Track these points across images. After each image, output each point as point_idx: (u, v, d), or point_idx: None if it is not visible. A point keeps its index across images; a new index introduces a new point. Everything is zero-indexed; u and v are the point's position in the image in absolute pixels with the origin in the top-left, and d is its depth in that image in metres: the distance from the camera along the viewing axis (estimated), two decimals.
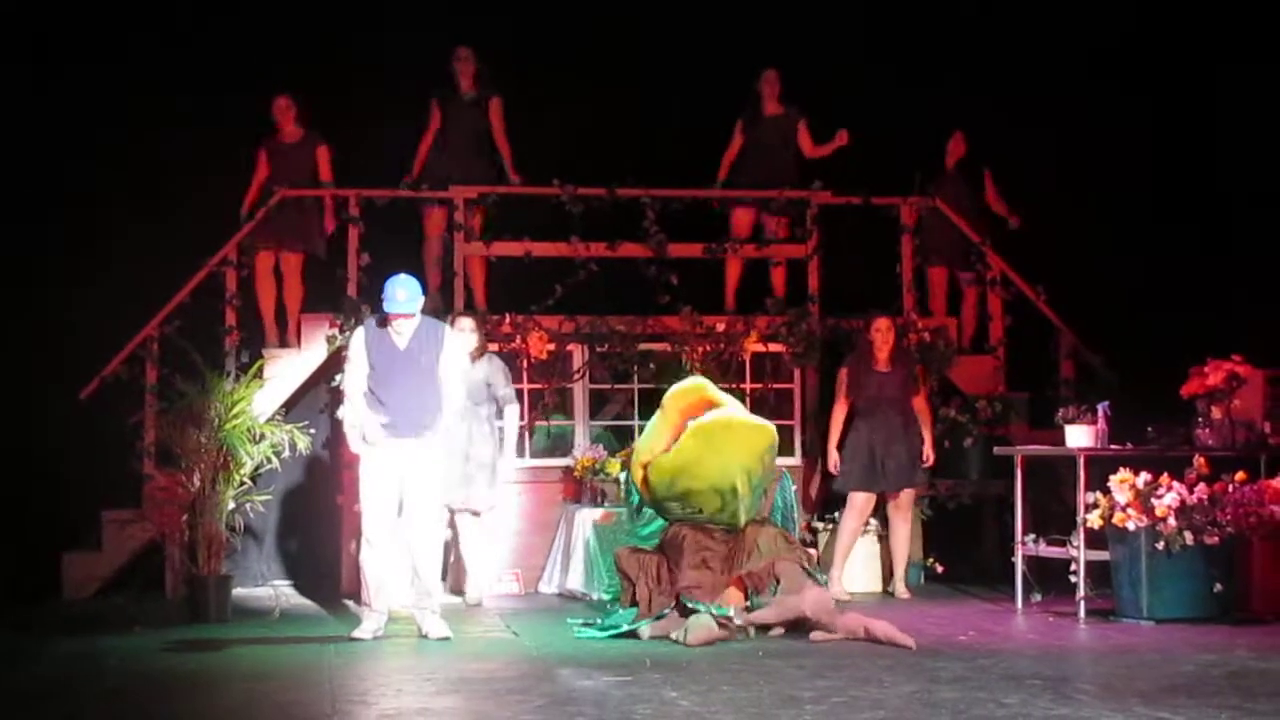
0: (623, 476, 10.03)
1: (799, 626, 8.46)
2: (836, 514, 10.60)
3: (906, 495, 10.44)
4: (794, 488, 9.49)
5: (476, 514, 10.12)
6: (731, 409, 8.75)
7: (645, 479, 8.76)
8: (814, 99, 11.62)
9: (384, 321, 8.63)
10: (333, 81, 11.37)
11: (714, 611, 8.36)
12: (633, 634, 8.45)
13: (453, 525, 10.11)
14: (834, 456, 10.38)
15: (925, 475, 10.52)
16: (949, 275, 11.85)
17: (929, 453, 10.41)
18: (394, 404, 8.57)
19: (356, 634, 8.52)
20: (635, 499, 9.14)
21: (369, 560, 8.58)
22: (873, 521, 10.59)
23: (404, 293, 8.56)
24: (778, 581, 8.63)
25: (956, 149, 11.86)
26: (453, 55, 11.37)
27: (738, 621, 8.43)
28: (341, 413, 8.84)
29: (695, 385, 8.95)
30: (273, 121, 11.18)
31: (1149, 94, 11.91)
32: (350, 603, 8.38)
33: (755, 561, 8.63)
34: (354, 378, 8.63)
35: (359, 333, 8.73)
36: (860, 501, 10.36)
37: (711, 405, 8.79)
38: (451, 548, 10.27)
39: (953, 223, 11.58)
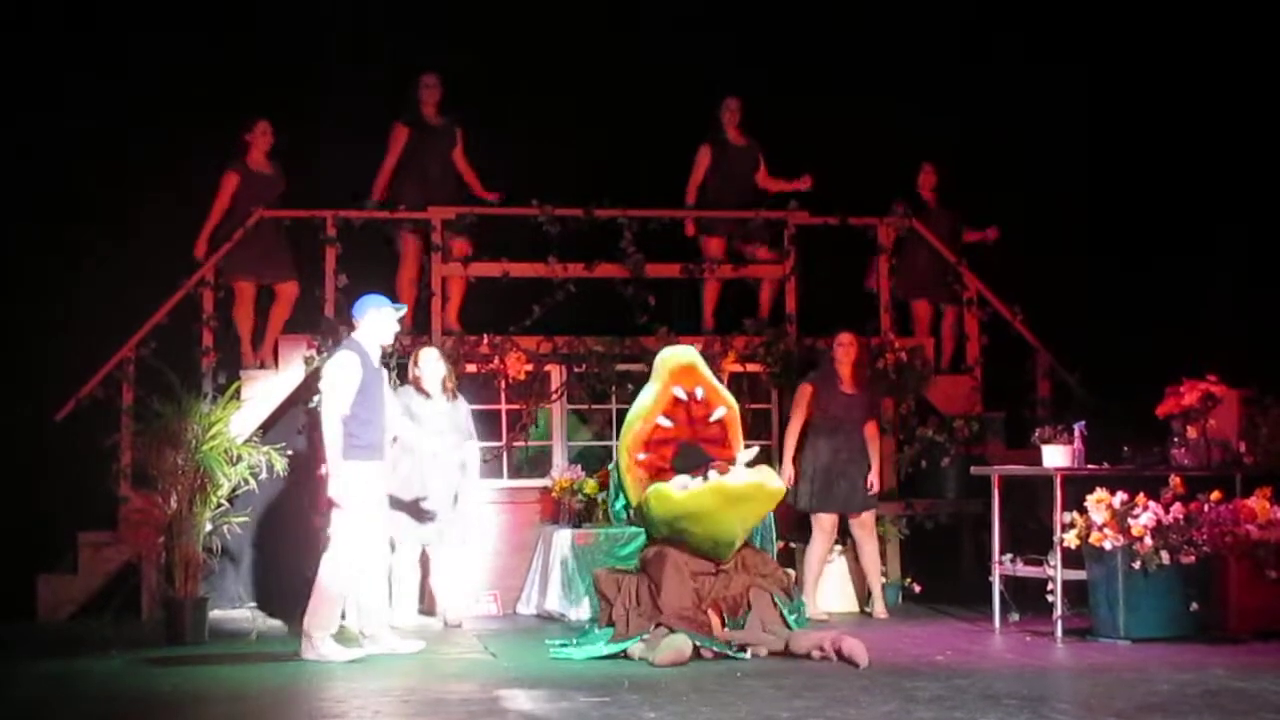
0: (611, 477, 9.88)
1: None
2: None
3: (868, 515, 10.43)
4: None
5: (450, 545, 10.09)
6: (760, 474, 8.64)
7: (644, 500, 8.72)
8: (788, 122, 11.64)
9: (364, 336, 8.70)
10: (309, 100, 11.37)
11: (703, 644, 8.35)
12: (609, 656, 8.43)
13: (424, 556, 10.12)
14: (789, 470, 10.32)
15: (876, 500, 10.46)
16: (933, 308, 11.88)
17: (874, 480, 10.36)
18: (379, 424, 8.66)
19: (350, 655, 8.45)
20: (622, 502, 9.10)
21: (352, 580, 8.55)
22: (847, 540, 10.58)
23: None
24: (749, 607, 8.63)
25: (928, 180, 11.91)
26: (419, 82, 11.35)
27: (733, 653, 8.40)
28: (325, 438, 8.56)
29: (687, 352, 9.02)
30: (243, 144, 11.06)
31: (1126, 117, 11.98)
32: (320, 634, 8.27)
33: (732, 586, 8.65)
34: (344, 401, 8.52)
35: (350, 356, 8.61)
36: (826, 523, 10.35)
37: (701, 380, 8.88)
38: (424, 573, 10.26)
39: (930, 256, 11.61)
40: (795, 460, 10.34)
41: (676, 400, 8.92)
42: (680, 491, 8.55)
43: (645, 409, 8.93)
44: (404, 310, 9.02)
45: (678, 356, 9.03)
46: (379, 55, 11.75)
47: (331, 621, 8.54)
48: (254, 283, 11.03)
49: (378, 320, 8.73)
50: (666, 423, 8.92)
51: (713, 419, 9.00)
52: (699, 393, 8.92)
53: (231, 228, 10.94)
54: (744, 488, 8.52)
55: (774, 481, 8.70)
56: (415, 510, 9.87)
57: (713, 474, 8.63)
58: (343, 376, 8.56)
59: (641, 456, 8.92)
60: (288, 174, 11.15)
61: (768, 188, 11.66)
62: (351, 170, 11.40)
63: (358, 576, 8.61)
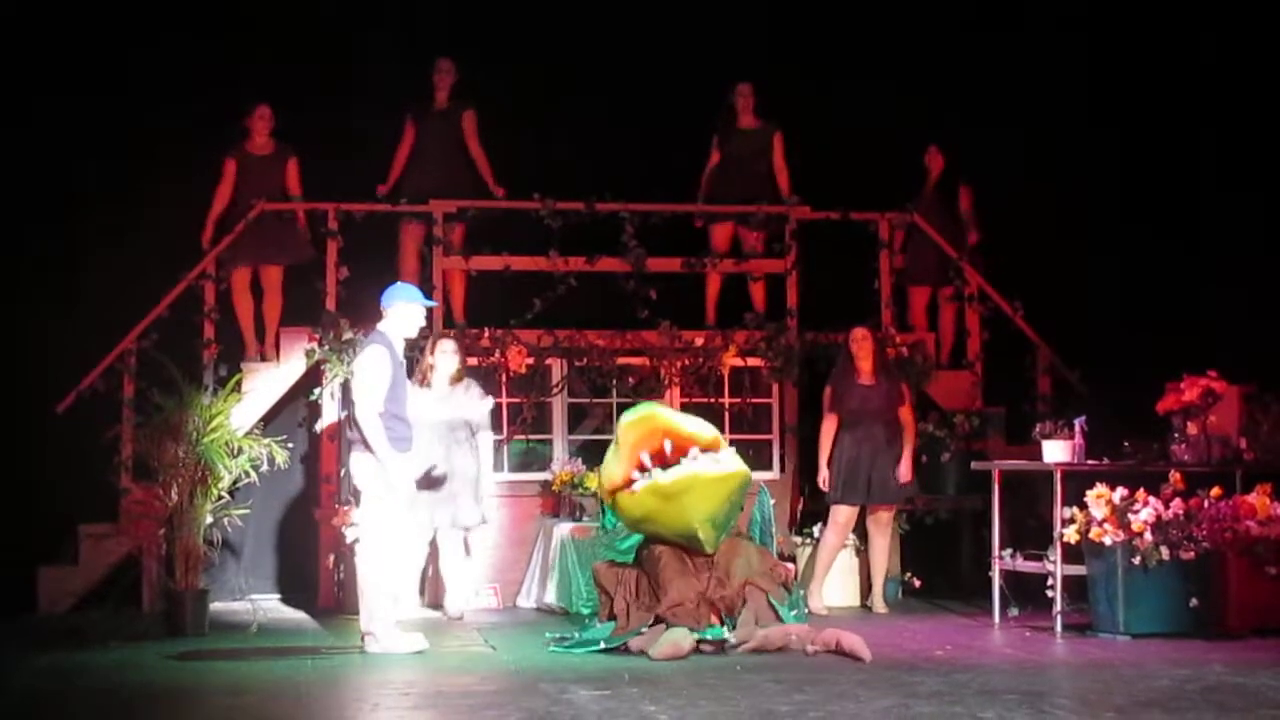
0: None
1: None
2: (816, 529, 10.61)
3: (887, 511, 10.43)
4: (772, 502, 9.48)
5: (467, 529, 10.13)
6: (696, 464, 8.55)
7: (615, 504, 8.79)
8: (794, 112, 11.65)
9: (391, 329, 8.67)
10: (310, 92, 11.37)
11: (705, 636, 8.35)
12: (609, 649, 8.44)
13: (434, 541, 10.11)
14: (825, 473, 10.34)
15: (907, 491, 10.49)
16: (931, 294, 11.88)
17: (904, 469, 10.37)
18: (405, 418, 8.61)
19: (416, 646, 8.46)
20: (612, 519, 9.16)
21: (387, 571, 8.53)
22: (851, 536, 10.59)
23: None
24: (745, 603, 8.64)
25: (935, 163, 11.89)
26: (434, 67, 11.39)
27: (732, 641, 8.41)
28: (370, 435, 8.42)
29: (645, 416, 8.78)
30: (242, 130, 11.10)
31: (1128, 110, 11.98)
32: (380, 627, 8.27)
33: (729, 586, 8.65)
34: (379, 395, 8.45)
35: (381, 351, 8.52)
36: (843, 515, 10.35)
37: (667, 432, 8.69)
38: (429, 563, 10.29)
39: (933, 243, 11.61)
40: (829, 462, 10.33)
41: (644, 464, 8.70)
42: (626, 498, 8.59)
43: (615, 477, 8.70)
44: (435, 305, 8.92)
45: (638, 424, 8.71)
46: (381, 48, 11.74)
47: (388, 613, 8.48)
48: (248, 267, 11.02)
49: (406, 313, 8.64)
50: (640, 477, 8.69)
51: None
52: (667, 446, 8.70)
53: (235, 215, 10.95)
54: (675, 483, 8.47)
55: (718, 468, 8.57)
56: (428, 496, 9.87)
57: (655, 471, 8.58)
58: (376, 372, 8.47)
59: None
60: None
61: (780, 170, 11.63)
62: (358, 161, 11.42)
63: (397, 563, 8.62)
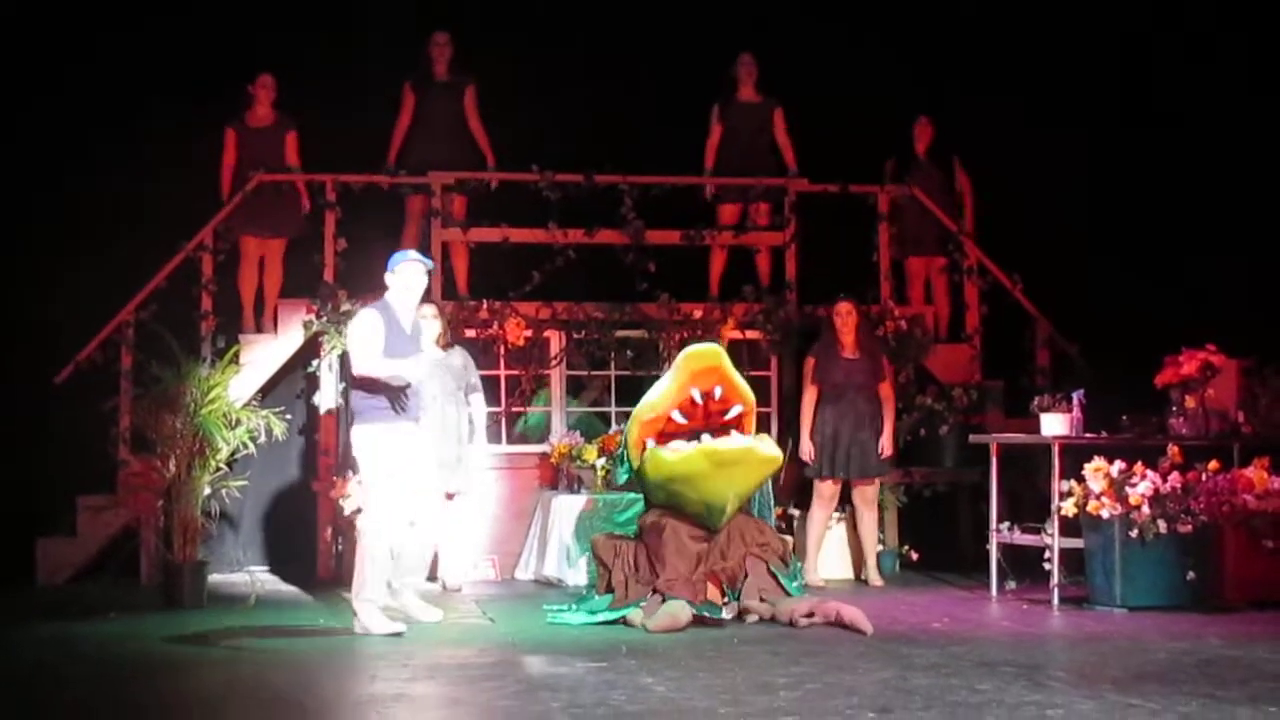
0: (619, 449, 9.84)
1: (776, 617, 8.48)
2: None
3: (870, 485, 10.43)
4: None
5: (451, 496, 10.12)
6: (752, 440, 8.63)
7: (642, 463, 8.78)
8: (791, 85, 11.62)
9: (388, 295, 8.52)
10: (309, 64, 11.34)
11: (699, 612, 8.35)
12: (607, 622, 8.45)
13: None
14: (808, 446, 10.35)
15: (889, 466, 10.51)
16: (926, 267, 11.87)
17: (886, 444, 10.35)
18: (404, 387, 8.54)
19: (391, 629, 8.20)
20: (625, 468, 9.12)
21: (384, 548, 8.40)
22: (846, 507, 10.60)
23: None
24: (747, 576, 8.65)
25: (924, 133, 11.86)
26: (429, 41, 11.36)
27: (726, 615, 8.43)
28: (374, 373, 8.25)
29: (711, 353, 8.81)
30: (244, 100, 11.09)
31: (1124, 86, 11.95)
32: (363, 605, 8.19)
33: (730, 558, 8.66)
34: (372, 352, 8.25)
35: (370, 312, 8.41)
36: (826, 489, 10.36)
37: (723, 379, 8.74)
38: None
39: (922, 213, 11.59)
40: (812, 434, 10.33)
41: (693, 400, 8.81)
42: (671, 454, 8.59)
43: (658, 404, 8.81)
44: (430, 264, 8.78)
45: (701, 357, 8.77)
46: (380, 16, 11.71)
47: (375, 591, 8.32)
48: (256, 237, 11.01)
49: (404, 273, 8.47)
50: (680, 419, 8.82)
51: (728, 416, 8.82)
52: (717, 392, 8.77)
53: (235, 186, 10.94)
54: (732, 451, 8.54)
55: (767, 448, 8.68)
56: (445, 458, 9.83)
57: (705, 437, 8.65)
58: (362, 332, 8.33)
59: (652, 444, 8.87)
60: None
61: (782, 144, 11.59)
62: (356, 132, 11.39)
63: (393, 541, 8.45)
